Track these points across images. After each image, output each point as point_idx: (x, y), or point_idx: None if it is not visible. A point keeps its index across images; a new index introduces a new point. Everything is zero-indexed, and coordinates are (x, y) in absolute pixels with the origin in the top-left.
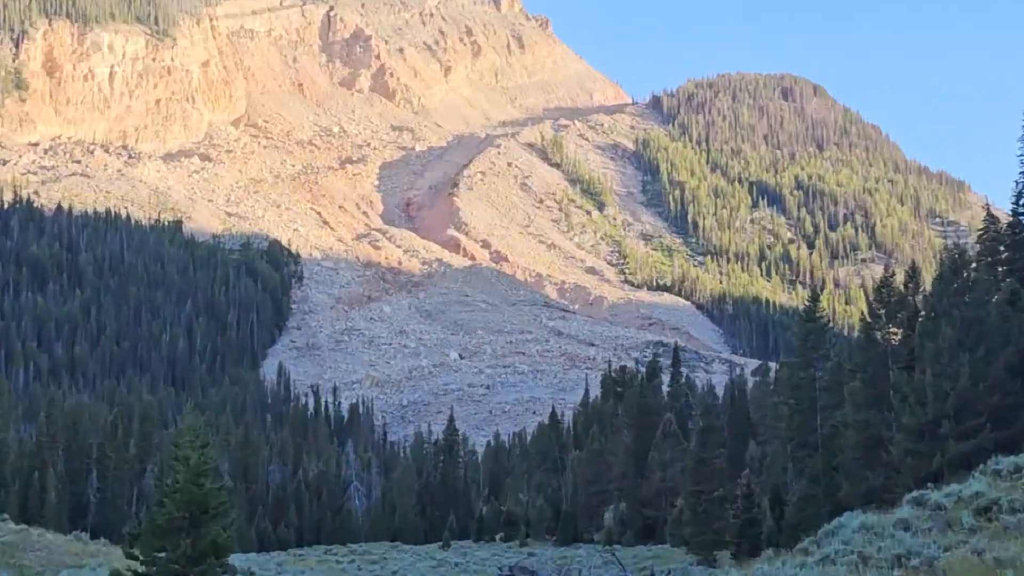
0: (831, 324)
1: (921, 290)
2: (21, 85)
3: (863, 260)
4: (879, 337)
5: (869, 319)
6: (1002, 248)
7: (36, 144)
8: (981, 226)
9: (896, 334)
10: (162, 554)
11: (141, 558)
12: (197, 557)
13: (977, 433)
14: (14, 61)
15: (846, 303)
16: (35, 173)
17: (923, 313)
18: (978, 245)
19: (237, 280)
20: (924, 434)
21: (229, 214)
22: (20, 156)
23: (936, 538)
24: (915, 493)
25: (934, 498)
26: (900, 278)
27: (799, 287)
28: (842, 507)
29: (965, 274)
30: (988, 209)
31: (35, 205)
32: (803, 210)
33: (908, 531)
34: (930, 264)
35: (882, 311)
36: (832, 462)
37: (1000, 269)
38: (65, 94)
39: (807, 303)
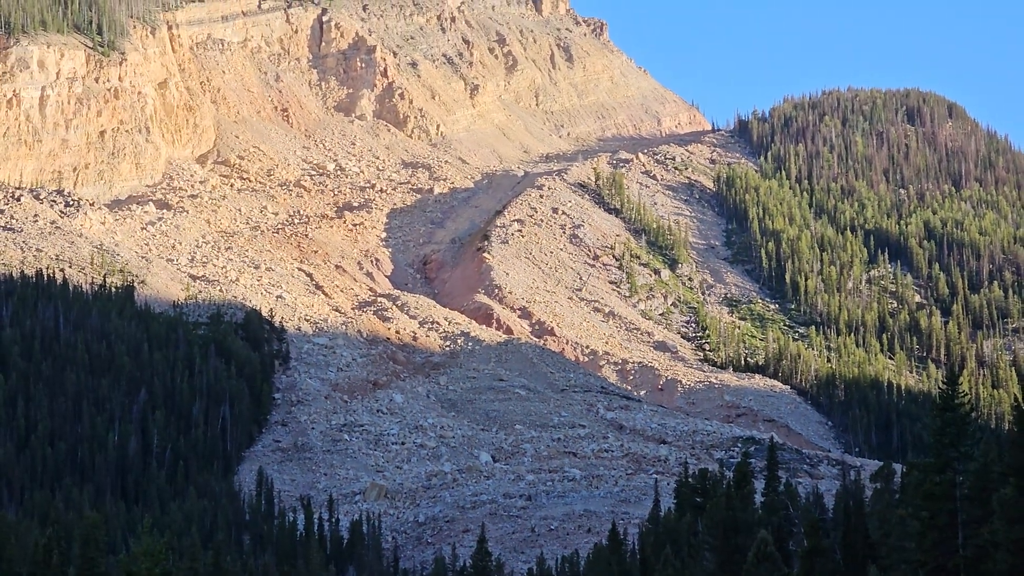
0: (975, 414)
1: None
2: None
3: (1015, 330)
4: None
5: None
6: None
7: None
8: None
9: None
10: None
11: None
12: None
13: None
14: None
15: (993, 386)
16: None
17: None
18: None
19: (204, 362)
20: None
21: (194, 277)
22: None
23: None
24: None
25: None
26: None
27: (932, 366)
28: None
29: None
30: None
31: None
32: (936, 266)
33: None
34: None
35: None
36: None
37: None
38: None
39: (943, 387)
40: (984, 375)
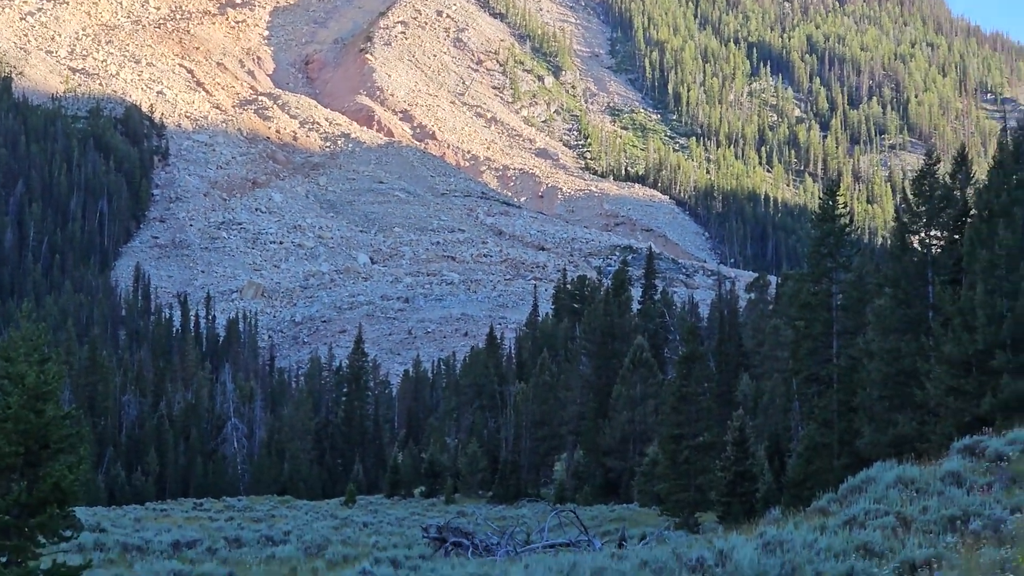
0: (851, 226)
1: (973, 182)
2: None
3: (892, 146)
4: (916, 243)
5: (904, 219)
6: None
7: None
8: None
9: (938, 239)
10: None
11: None
12: (34, 505)
13: None
14: None
15: (869, 201)
16: None
17: (974, 212)
18: None
19: (83, 157)
20: (972, 367)
21: (73, 70)
22: None
23: (999, 496)
24: (967, 440)
25: (993, 447)
26: (942, 168)
27: (809, 179)
28: (861, 459)
29: None
30: None
31: None
32: (816, 81)
33: (961, 487)
34: (978, 152)
35: (923, 208)
36: (850, 402)
37: None
38: None
39: (821, 199)
40: (860, 190)
